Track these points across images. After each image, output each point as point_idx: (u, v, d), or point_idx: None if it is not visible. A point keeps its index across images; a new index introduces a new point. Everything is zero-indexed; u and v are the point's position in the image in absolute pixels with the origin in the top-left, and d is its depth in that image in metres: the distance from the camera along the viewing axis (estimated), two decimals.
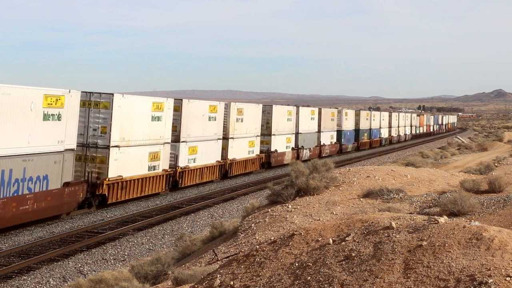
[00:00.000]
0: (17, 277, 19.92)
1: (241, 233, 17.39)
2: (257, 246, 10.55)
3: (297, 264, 9.53)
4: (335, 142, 73.46)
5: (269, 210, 18.81)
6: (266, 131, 54.42)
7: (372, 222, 9.98)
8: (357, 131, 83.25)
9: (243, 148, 49.26)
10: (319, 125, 68.08)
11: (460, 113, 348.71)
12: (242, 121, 48.54)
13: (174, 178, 38.41)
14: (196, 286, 10.39)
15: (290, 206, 18.70)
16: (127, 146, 33.07)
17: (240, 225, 18.65)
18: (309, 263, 9.37)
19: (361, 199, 19.21)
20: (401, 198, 18.78)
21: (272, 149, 55.12)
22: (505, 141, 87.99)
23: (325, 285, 8.75)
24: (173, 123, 37.94)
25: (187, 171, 39.78)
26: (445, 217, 10.05)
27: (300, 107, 65.06)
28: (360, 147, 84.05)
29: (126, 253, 23.74)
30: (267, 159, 54.13)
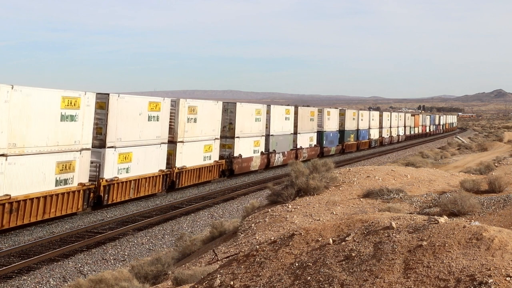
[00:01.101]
0: (17, 277, 19.92)
1: (241, 233, 17.39)
2: (257, 246, 10.55)
3: (297, 264, 9.53)
4: (315, 145, 66.21)
5: (269, 210, 18.81)
6: (229, 133, 47.08)
7: (372, 222, 9.98)
8: (341, 132, 75.63)
9: (197, 154, 41.21)
10: (296, 126, 60.35)
11: (460, 113, 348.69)
12: (195, 121, 40.71)
13: (96, 194, 30.63)
14: (196, 286, 10.39)
15: (290, 206, 18.70)
16: (19, 155, 25.01)
17: (240, 225, 18.65)
18: (309, 263, 9.37)
19: (361, 199, 19.20)
20: (401, 198, 18.78)
21: (236, 154, 47.35)
22: (505, 141, 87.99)
23: (325, 285, 8.74)
24: (96, 124, 30.87)
25: (115, 184, 31.79)
26: (445, 217, 10.05)
27: (272, 105, 56.36)
28: (345, 149, 76.58)
29: (126, 253, 23.74)
30: (228, 166, 46.55)
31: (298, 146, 61.16)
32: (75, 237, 25.47)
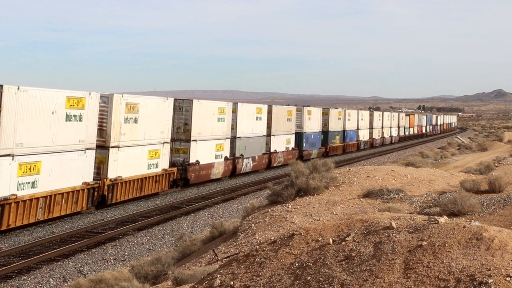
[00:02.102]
0: (17, 277, 19.92)
1: (241, 233, 17.39)
2: (257, 246, 10.54)
3: (297, 264, 9.53)
4: (293, 148, 59.53)
5: (269, 210, 18.80)
6: (184, 136, 40.11)
7: (372, 222, 9.98)
8: (325, 133, 69.07)
9: (138, 161, 34.28)
10: (269, 127, 53.59)
11: (460, 113, 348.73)
12: (136, 121, 33.68)
13: None
14: (196, 286, 10.39)
15: (290, 206, 18.70)
16: None
17: (240, 225, 18.65)
18: (309, 263, 9.37)
19: (361, 199, 19.20)
20: (401, 198, 18.78)
21: (192, 160, 40.24)
22: (505, 141, 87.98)
23: (325, 285, 8.74)
24: None
25: (12, 205, 24.55)
26: (445, 217, 10.05)
27: (239, 103, 48.84)
28: (329, 152, 69.13)
29: (126, 253, 23.74)
30: (182, 175, 39.46)
31: (272, 150, 54.40)
32: (75, 237, 25.47)
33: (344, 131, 76.12)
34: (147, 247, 24.83)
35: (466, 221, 9.85)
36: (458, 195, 16.29)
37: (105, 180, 31.08)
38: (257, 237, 16.14)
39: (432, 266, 8.37)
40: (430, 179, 23.26)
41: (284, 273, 9.47)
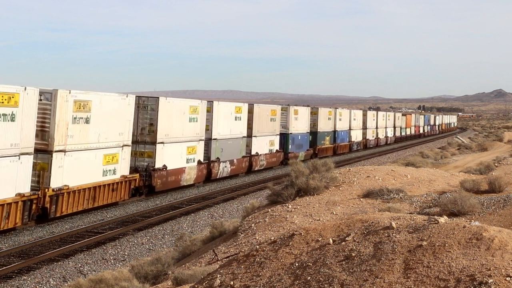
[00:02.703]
0: (17, 277, 19.93)
1: (241, 233, 17.39)
2: (257, 246, 10.55)
3: (297, 264, 9.53)
4: (277, 150, 55.52)
5: (269, 210, 18.81)
6: (149, 138, 35.94)
7: (372, 222, 9.98)
8: (314, 134, 65.12)
9: (91, 167, 29.83)
10: (250, 128, 49.58)
11: (460, 113, 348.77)
12: (87, 121, 29.34)
13: None
14: (196, 286, 10.39)
15: (290, 206, 18.70)
16: None
17: (240, 225, 18.65)
18: (309, 263, 9.37)
19: (361, 199, 19.20)
20: (401, 198, 18.78)
21: (158, 165, 36.07)
22: (505, 141, 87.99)
23: (325, 285, 8.74)
24: None
25: None
26: (445, 217, 10.05)
27: (215, 102, 44.75)
28: (318, 154, 64.14)
29: (126, 253, 23.75)
30: (146, 181, 35.16)
31: (254, 152, 50.29)
32: (75, 237, 25.47)
33: (334, 131, 72.33)
34: (147, 247, 24.83)
35: (466, 221, 9.85)
36: (458, 195, 16.29)
37: (46, 190, 26.44)
38: (257, 237, 16.14)
39: (432, 266, 8.37)
40: (430, 179, 23.26)
41: (284, 273, 9.47)
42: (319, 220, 16.53)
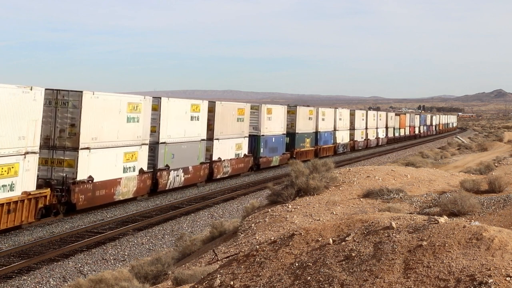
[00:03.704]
0: (17, 277, 19.93)
1: (241, 233, 17.39)
2: (257, 246, 10.55)
3: (297, 264, 9.53)
4: (245, 155, 48.72)
5: (269, 210, 18.81)
6: (69, 142, 28.78)
7: (372, 222, 9.98)
8: (291, 135, 58.78)
9: None
10: (211, 129, 42.86)
11: (460, 113, 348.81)
12: None
13: None
14: (196, 286, 10.39)
15: (290, 206, 18.71)
16: None
17: (240, 225, 18.66)
18: (309, 263, 9.37)
19: (361, 199, 19.21)
20: (401, 198, 18.78)
21: (82, 177, 28.78)
22: (505, 141, 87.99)
23: (325, 285, 8.74)
24: None
25: None
26: (445, 217, 10.05)
27: (165, 98, 37.64)
28: (296, 158, 53.20)
29: (126, 253, 23.75)
30: (62, 198, 28.05)
31: (215, 158, 43.57)
32: (75, 237, 25.47)
33: (316, 132, 65.99)
34: (147, 247, 24.83)
35: (466, 221, 9.86)
36: (458, 195, 16.29)
37: None
38: (257, 237, 16.14)
39: (432, 266, 8.37)
40: (430, 179, 23.26)
41: (284, 273, 9.47)
42: (319, 220, 16.53)
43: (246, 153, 49.05)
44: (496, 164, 36.88)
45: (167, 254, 18.54)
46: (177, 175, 38.03)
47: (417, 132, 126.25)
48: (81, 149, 28.85)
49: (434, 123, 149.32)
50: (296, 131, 59.86)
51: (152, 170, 35.49)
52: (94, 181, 29.74)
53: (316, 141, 65.92)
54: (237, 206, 34.04)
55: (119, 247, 24.44)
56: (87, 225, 27.53)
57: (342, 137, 75.43)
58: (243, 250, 13.02)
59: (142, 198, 35.18)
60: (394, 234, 9.33)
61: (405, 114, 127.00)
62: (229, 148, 45.80)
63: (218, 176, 44.19)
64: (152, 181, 35.57)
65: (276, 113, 55.32)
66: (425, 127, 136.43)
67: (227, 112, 45.42)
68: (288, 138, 58.27)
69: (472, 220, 10.60)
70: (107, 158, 31.04)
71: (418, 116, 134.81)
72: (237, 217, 27.39)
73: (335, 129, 72.40)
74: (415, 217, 10.02)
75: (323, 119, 68.06)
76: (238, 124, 47.30)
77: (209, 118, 42.34)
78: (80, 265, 21.78)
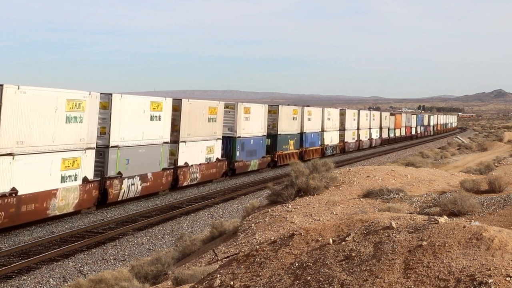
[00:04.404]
0: (17, 277, 19.93)
1: (241, 233, 17.40)
2: (257, 246, 10.55)
3: (297, 264, 9.54)
4: (218, 159, 43.82)
5: (269, 210, 18.81)
6: None
7: (372, 222, 9.99)
8: (272, 137, 54.11)
9: None
10: (177, 130, 38.06)
11: (460, 113, 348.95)
12: None
13: None
14: (196, 286, 10.39)
15: (290, 206, 18.71)
16: None
17: (240, 225, 18.66)
18: (309, 263, 9.38)
19: (361, 199, 19.21)
20: (401, 198, 18.78)
21: (1, 190, 23.84)
22: (505, 141, 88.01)
23: (325, 285, 8.75)
24: None
25: None
26: (445, 217, 10.06)
27: (117, 95, 32.05)
28: (277, 162, 54.45)
29: (126, 253, 23.75)
30: None
31: (181, 163, 38.54)
32: (75, 237, 25.48)
33: (301, 134, 61.23)
34: (147, 247, 24.84)
35: (466, 221, 9.86)
36: (458, 195, 16.30)
37: None
38: (257, 237, 16.14)
39: (432, 266, 8.37)
40: (430, 179, 23.26)
41: (284, 273, 9.48)
42: (319, 220, 16.54)
43: (219, 157, 44.15)
44: (496, 164, 36.89)
45: (167, 254, 18.54)
46: (133, 184, 33.15)
47: (413, 132, 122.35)
48: (1, 155, 23.83)
49: (432, 124, 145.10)
50: (278, 132, 55.18)
51: (100, 178, 30.35)
52: (19, 194, 24.58)
53: (301, 143, 61.19)
54: (237, 206, 34.04)
55: (119, 247, 24.45)
56: (87, 225, 27.53)
57: (331, 138, 70.97)
58: (243, 250, 13.03)
59: (86, 212, 30.07)
60: (394, 234, 9.33)
61: (400, 114, 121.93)
62: (199, 151, 40.91)
63: (185, 184, 39.22)
64: (100, 192, 30.38)
65: (255, 113, 50.29)
66: (422, 128, 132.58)
67: (196, 111, 40.39)
68: (269, 140, 53.69)
69: (472, 220, 10.60)
70: (39, 166, 25.92)
71: (415, 116, 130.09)
72: (237, 217, 27.40)
73: (323, 130, 67.75)
74: (415, 217, 10.02)
75: (309, 119, 63.23)
76: (209, 125, 42.40)
77: (174, 118, 37.63)
78: (80, 265, 21.78)
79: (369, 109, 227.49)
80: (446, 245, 8.71)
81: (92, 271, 20.99)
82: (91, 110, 29.23)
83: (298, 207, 18.58)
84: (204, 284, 10.18)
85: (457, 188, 20.20)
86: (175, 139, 37.82)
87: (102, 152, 30.94)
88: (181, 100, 38.84)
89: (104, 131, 31.13)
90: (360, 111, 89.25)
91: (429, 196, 18.75)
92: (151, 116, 34.69)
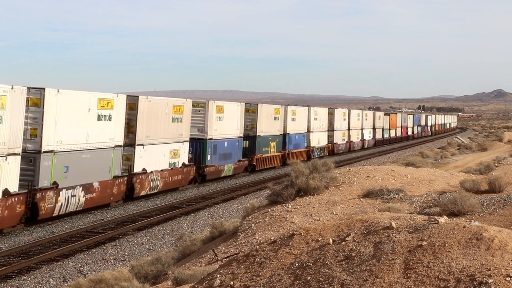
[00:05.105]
0: (17, 277, 19.93)
1: (241, 233, 17.40)
2: (257, 246, 10.55)
3: (297, 264, 9.54)
4: (184, 164, 38.97)
5: (269, 210, 18.81)
6: None
7: (372, 222, 9.99)
8: (251, 139, 49.38)
9: None
10: (133, 132, 33.14)
11: (460, 113, 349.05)
12: None
13: None
14: (196, 286, 10.39)
15: (290, 206, 18.71)
16: None
17: (240, 225, 18.67)
18: (309, 263, 9.38)
19: (361, 199, 19.21)
20: (401, 198, 18.79)
21: None
22: (505, 141, 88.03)
23: (325, 285, 8.75)
24: None
25: None
26: (445, 217, 10.06)
27: (50, 90, 26.71)
28: (256, 166, 49.98)
29: (126, 253, 23.76)
30: None
31: (139, 169, 33.67)
32: (75, 237, 25.48)
33: (285, 135, 56.59)
34: (147, 247, 24.84)
35: (466, 221, 9.86)
36: (458, 195, 16.30)
37: None
38: (257, 237, 16.14)
39: (432, 266, 8.37)
40: (430, 179, 23.26)
41: (284, 273, 9.48)
42: (319, 220, 16.54)
43: (186, 162, 39.43)
44: (496, 164, 36.90)
45: (167, 254, 18.54)
46: (73, 195, 28.03)
47: (410, 133, 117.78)
48: None
49: (429, 124, 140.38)
50: (258, 134, 50.31)
51: (27, 190, 25.25)
52: None
53: (284, 145, 56.61)
54: (237, 206, 34.05)
55: (119, 247, 24.45)
56: (87, 225, 27.53)
57: (318, 140, 66.02)
58: (243, 250, 13.03)
59: (10, 230, 25.22)
60: (394, 234, 9.33)
61: (396, 113, 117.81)
62: (160, 156, 36.13)
63: (142, 193, 34.38)
64: (27, 206, 25.27)
65: (230, 112, 45.26)
66: (419, 128, 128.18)
67: (157, 110, 35.60)
68: (246, 142, 49.00)
69: (472, 220, 10.60)
70: None
71: (411, 116, 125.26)
72: (237, 217, 27.40)
73: (309, 131, 63.08)
74: (415, 217, 10.02)
75: (293, 119, 58.60)
76: (174, 126, 37.53)
77: (129, 118, 32.98)
78: (80, 265, 21.79)
79: (369, 109, 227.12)
80: (446, 245, 8.71)
81: (92, 271, 20.99)
82: (14, 108, 24.16)
83: (298, 207, 18.58)
84: (204, 284, 10.18)
85: (457, 188, 20.20)
86: (130, 142, 33.25)
87: (32, 158, 25.95)
88: (137, 97, 34.16)
89: (35, 133, 26.05)
90: (351, 110, 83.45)
91: (429, 196, 18.75)
92: (98, 116, 29.58)
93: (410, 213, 14.42)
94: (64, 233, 25.74)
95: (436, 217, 9.75)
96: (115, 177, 31.44)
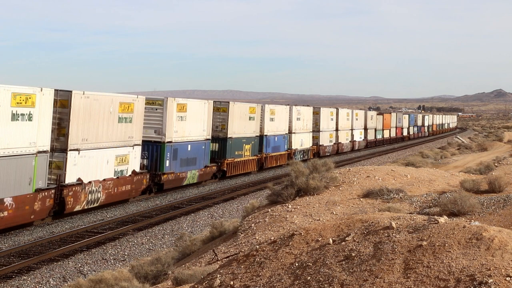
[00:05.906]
0: (17, 277, 19.93)
1: (241, 233, 17.40)
2: (257, 246, 10.55)
3: (297, 264, 9.54)
4: (135, 172, 33.23)
5: (269, 210, 18.81)
6: None
7: (372, 222, 9.99)
8: (221, 141, 44.40)
9: None
10: (64, 134, 27.55)
11: (460, 113, 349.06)
12: None
13: None
14: (196, 286, 10.39)
15: (290, 206, 18.71)
16: None
17: (240, 225, 18.67)
18: (309, 263, 9.38)
19: (361, 199, 19.21)
20: (401, 198, 18.78)
21: None
22: (505, 141, 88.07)
23: (325, 285, 8.75)
24: None
25: None
26: (445, 217, 10.06)
27: None
28: (228, 171, 44.85)
29: (126, 253, 23.76)
30: None
31: (72, 180, 27.89)
32: (75, 237, 25.48)
33: (261, 136, 50.88)
34: (147, 247, 24.84)
35: (466, 221, 9.86)
36: (458, 195, 16.30)
37: None
38: (257, 237, 16.15)
39: (432, 266, 8.37)
40: (430, 179, 23.26)
41: (284, 273, 9.48)
42: (319, 220, 16.54)
43: (138, 169, 33.78)
44: (496, 164, 36.89)
45: (167, 254, 18.54)
46: None
47: (405, 133, 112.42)
48: None
49: (426, 124, 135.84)
50: (229, 135, 44.92)
51: None
52: None
53: (261, 148, 51.00)
54: (237, 206, 34.05)
55: (119, 247, 24.45)
56: (87, 225, 27.53)
57: (301, 142, 60.30)
58: (243, 250, 13.03)
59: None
60: (394, 234, 9.33)
61: (390, 113, 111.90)
62: (103, 163, 30.35)
63: (77, 208, 28.58)
64: None
65: (194, 111, 39.58)
66: (415, 128, 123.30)
67: (97, 108, 29.75)
68: (215, 144, 44.03)
69: (472, 220, 10.60)
70: None
71: (407, 115, 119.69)
72: (237, 217, 27.40)
73: (290, 132, 57.34)
74: (415, 217, 10.02)
75: (271, 119, 52.81)
76: (121, 127, 31.78)
77: (61, 117, 27.63)
78: (80, 265, 21.79)
79: (369, 109, 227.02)
80: (446, 245, 8.71)
81: (92, 271, 20.99)
82: None
83: (298, 207, 18.58)
84: (204, 284, 10.18)
85: (457, 188, 20.20)
86: (62, 147, 27.56)
87: None
88: (71, 92, 27.85)
89: None
90: (339, 109, 76.18)
91: (429, 196, 18.75)
92: (13, 115, 23.74)
93: (410, 213, 14.42)
94: (64, 233, 25.74)
95: (436, 217, 9.75)
96: (38, 190, 25.49)
